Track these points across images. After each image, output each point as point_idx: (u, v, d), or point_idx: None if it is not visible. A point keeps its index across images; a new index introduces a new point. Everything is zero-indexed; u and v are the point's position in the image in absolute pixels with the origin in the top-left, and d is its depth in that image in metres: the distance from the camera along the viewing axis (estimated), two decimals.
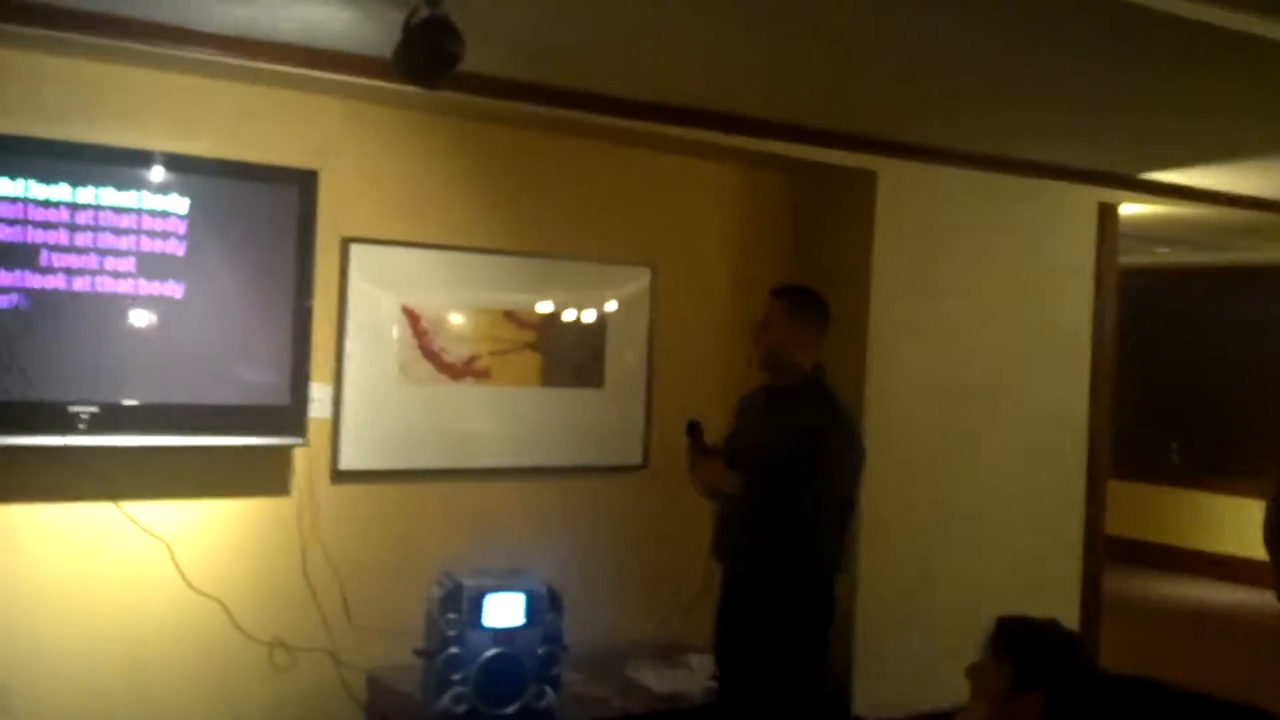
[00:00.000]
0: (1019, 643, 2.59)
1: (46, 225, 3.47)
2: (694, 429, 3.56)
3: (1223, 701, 2.97)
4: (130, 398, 3.57)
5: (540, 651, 3.67)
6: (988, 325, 4.99)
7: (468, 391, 4.28)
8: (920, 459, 4.80)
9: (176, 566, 3.75)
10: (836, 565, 3.54)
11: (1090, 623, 5.09)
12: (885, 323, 4.71)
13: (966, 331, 4.94)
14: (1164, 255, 8.18)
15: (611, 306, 4.57)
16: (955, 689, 2.72)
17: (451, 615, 3.60)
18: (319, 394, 3.93)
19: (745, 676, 3.54)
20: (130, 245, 3.58)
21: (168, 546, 3.73)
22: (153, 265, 3.61)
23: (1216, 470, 8.82)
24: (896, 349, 4.73)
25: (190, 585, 3.76)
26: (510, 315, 4.36)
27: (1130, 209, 5.60)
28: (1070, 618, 4.87)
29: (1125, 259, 5.90)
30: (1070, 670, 2.58)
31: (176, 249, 3.64)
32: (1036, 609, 2.69)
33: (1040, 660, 2.55)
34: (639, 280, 4.63)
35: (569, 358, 4.49)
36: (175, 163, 3.64)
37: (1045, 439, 5.17)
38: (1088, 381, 5.31)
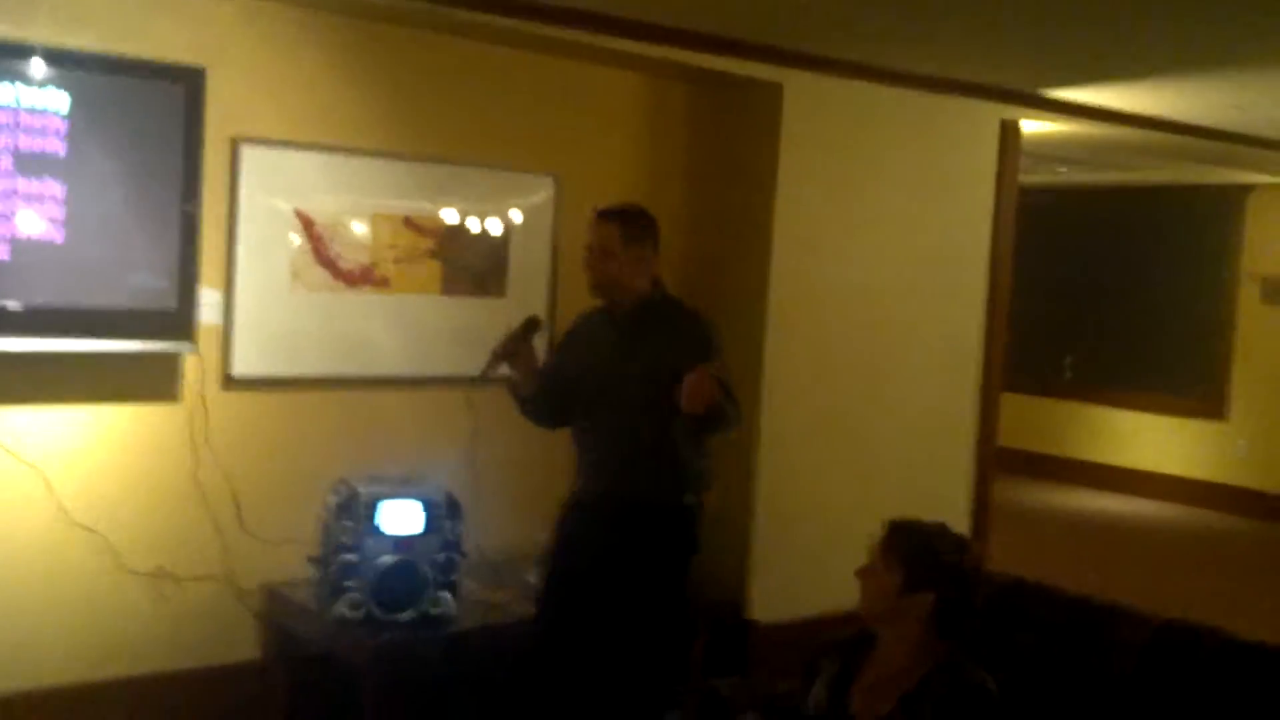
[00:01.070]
0: (908, 545, 2.64)
1: None
2: (532, 325, 3.52)
3: (1105, 604, 3.07)
4: (12, 299, 3.45)
5: (439, 558, 3.66)
6: (889, 240, 5.04)
7: (365, 299, 4.21)
8: (818, 371, 4.85)
9: (63, 476, 3.67)
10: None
11: (980, 531, 5.23)
12: (788, 236, 4.72)
13: (871, 244, 4.98)
14: (1064, 175, 8.30)
15: (515, 215, 4.51)
16: (848, 593, 2.78)
17: (348, 523, 3.58)
18: (209, 299, 3.84)
19: (638, 604, 3.42)
20: (6, 143, 3.43)
21: (59, 453, 3.65)
22: (31, 163, 3.46)
23: (1109, 385, 9.09)
24: (800, 262, 4.75)
25: (79, 493, 3.68)
26: (410, 222, 4.29)
27: (1031, 126, 5.66)
28: (960, 526, 4.99)
29: (1026, 178, 5.98)
30: (958, 572, 2.64)
31: (57, 148, 3.50)
32: (928, 516, 2.75)
33: (929, 562, 2.61)
34: (543, 189, 4.57)
35: (471, 266, 4.43)
36: (55, 57, 3.48)
37: (941, 353, 5.25)
38: (985, 297, 5.39)
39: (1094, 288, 9.19)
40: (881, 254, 5.01)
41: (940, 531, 2.70)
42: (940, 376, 5.24)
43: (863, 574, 2.68)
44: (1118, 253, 9.08)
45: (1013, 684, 2.65)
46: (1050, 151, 6.78)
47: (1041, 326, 8.66)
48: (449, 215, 4.36)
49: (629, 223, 3.48)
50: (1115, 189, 8.91)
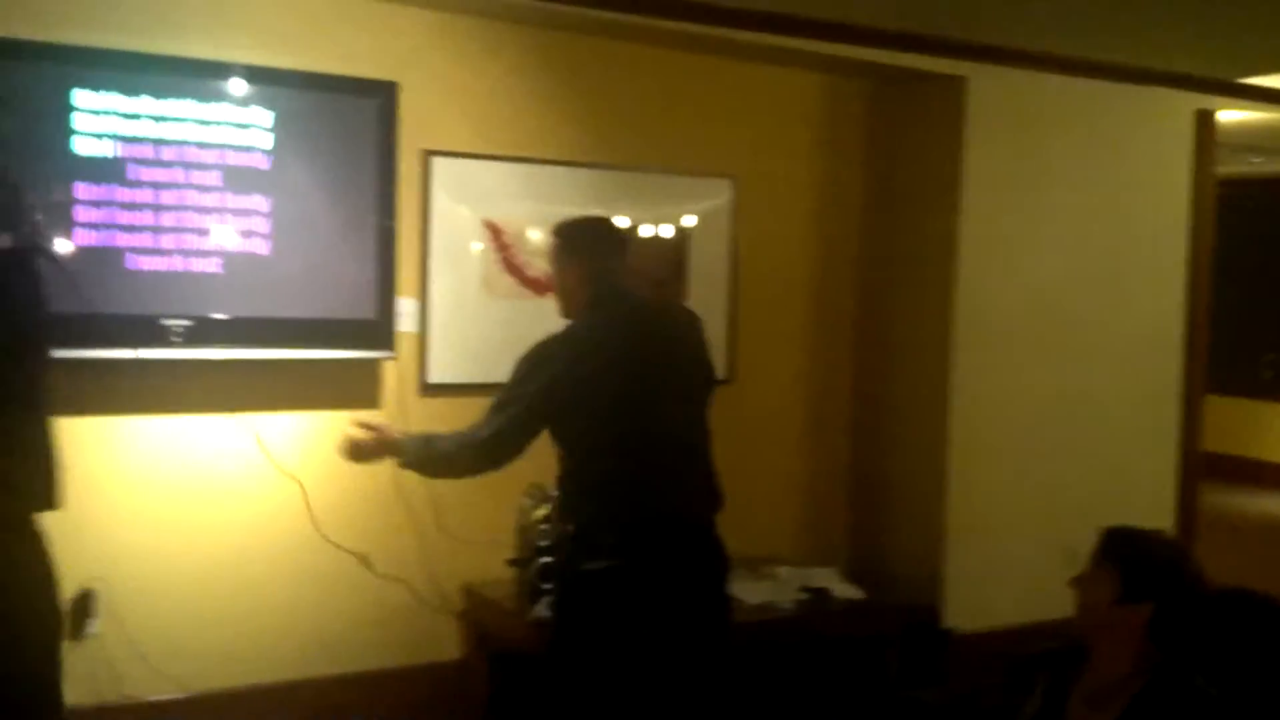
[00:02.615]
0: (1126, 553, 2.53)
1: (132, 139, 3.47)
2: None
3: None
4: (222, 311, 3.58)
5: None
6: (1082, 237, 4.86)
7: (551, 305, 4.23)
8: (1012, 373, 4.70)
9: (274, 477, 3.79)
10: None
11: (1186, 538, 4.99)
12: (975, 234, 4.60)
13: (1060, 243, 4.81)
14: (1259, 165, 7.92)
15: (693, 219, 4.50)
16: (1046, 602, 2.68)
17: (544, 526, 3.60)
18: (406, 308, 3.93)
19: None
20: (216, 159, 3.57)
21: (264, 459, 3.77)
22: (238, 179, 3.60)
23: None
24: (988, 262, 4.62)
25: (287, 494, 3.80)
26: None
27: (1227, 115, 5.40)
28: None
29: (1221, 169, 5.71)
30: (1178, 582, 2.52)
31: (261, 162, 3.63)
32: (1131, 523, 2.63)
33: (1148, 571, 2.50)
34: (720, 193, 4.55)
35: (650, 271, 4.43)
36: (257, 75, 3.61)
37: (1139, 353, 5.04)
38: (1184, 294, 5.16)
39: None
40: (1073, 251, 4.84)
41: (1158, 538, 2.61)
42: (1139, 378, 5.03)
43: (1078, 583, 2.59)
44: None
45: (1233, 696, 2.51)
46: (1245, 141, 6.47)
47: (1237, 324, 8.26)
48: (629, 221, 4.37)
49: (559, 234, 3.25)
50: None
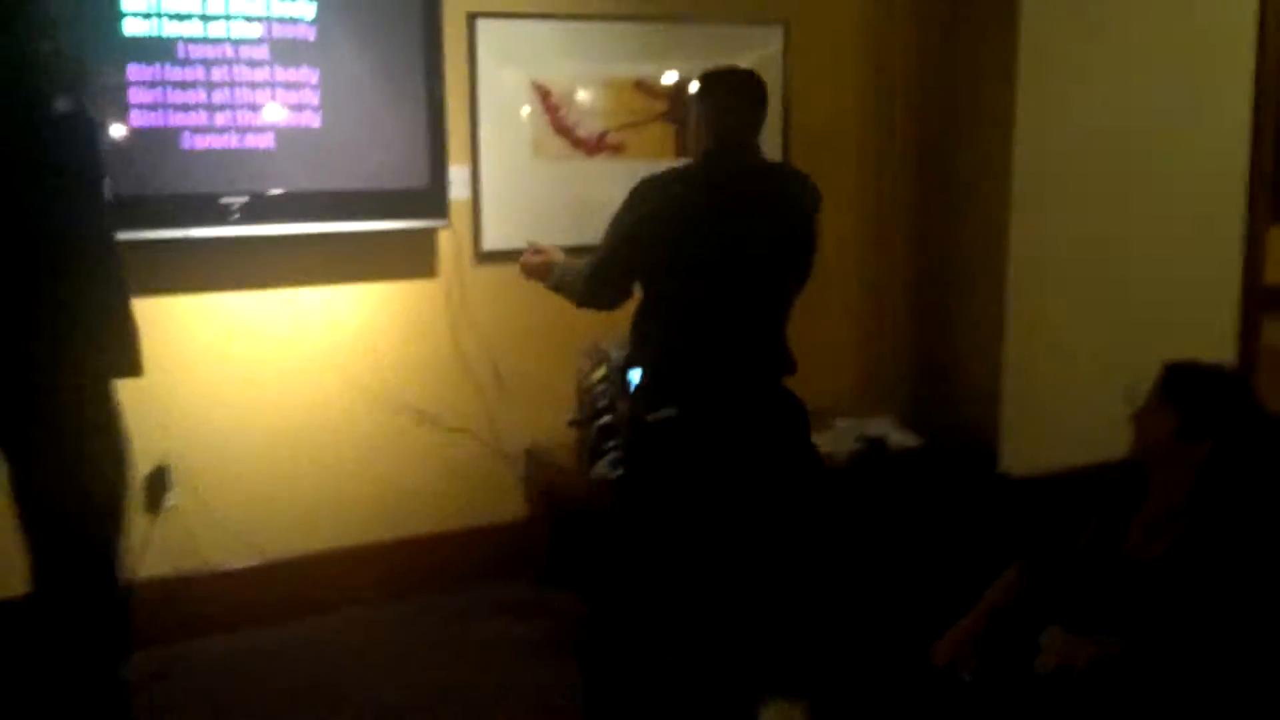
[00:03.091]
0: (1187, 389, 2.53)
1: (179, 16, 3.46)
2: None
3: None
4: (277, 186, 3.62)
5: None
6: (1141, 65, 4.69)
7: (603, 166, 4.24)
8: (1068, 211, 4.61)
9: (336, 348, 3.88)
10: None
11: (1248, 371, 4.95)
12: (1032, 74, 4.45)
13: (1122, 71, 4.65)
14: None
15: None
16: (1103, 444, 2.68)
17: (601, 387, 3.67)
18: (458, 175, 3.94)
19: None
20: (262, 32, 3.56)
21: (328, 329, 3.86)
22: (286, 51, 3.59)
23: None
24: (1045, 98, 4.49)
25: (350, 365, 3.89)
26: (641, 85, 4.26)
27: None
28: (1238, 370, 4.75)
29: None
30: (1240, 415, 2.52)
31: (307, 33, 3.62)
32: (1194, 359, 2.61)
33: (1209, 405, 2.50)
34: (771, 40, 4.46)
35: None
36: None
37: (1201, 185, 4.92)
38: (1249, 123, 5.00)
39: None
40: (1134, 79, 4.68)
41: (1220, 375, 2.58)
42: (1201, 210, 4.92)
43: (1138, 418, 2.59)
44: None
45: None
46: None
47: None
48: (678, 76, 4.31)
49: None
50: None
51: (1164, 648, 2.37)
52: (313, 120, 3.65)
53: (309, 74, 3.63)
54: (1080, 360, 4.62)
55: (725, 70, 3.14)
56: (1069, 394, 4.58)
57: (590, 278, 3.04)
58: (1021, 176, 4.46)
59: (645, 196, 2.95)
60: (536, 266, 3.25)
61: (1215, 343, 4.91)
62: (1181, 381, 2.56)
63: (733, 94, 3.04)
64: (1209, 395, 2.53)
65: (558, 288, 3.19)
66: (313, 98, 3.64)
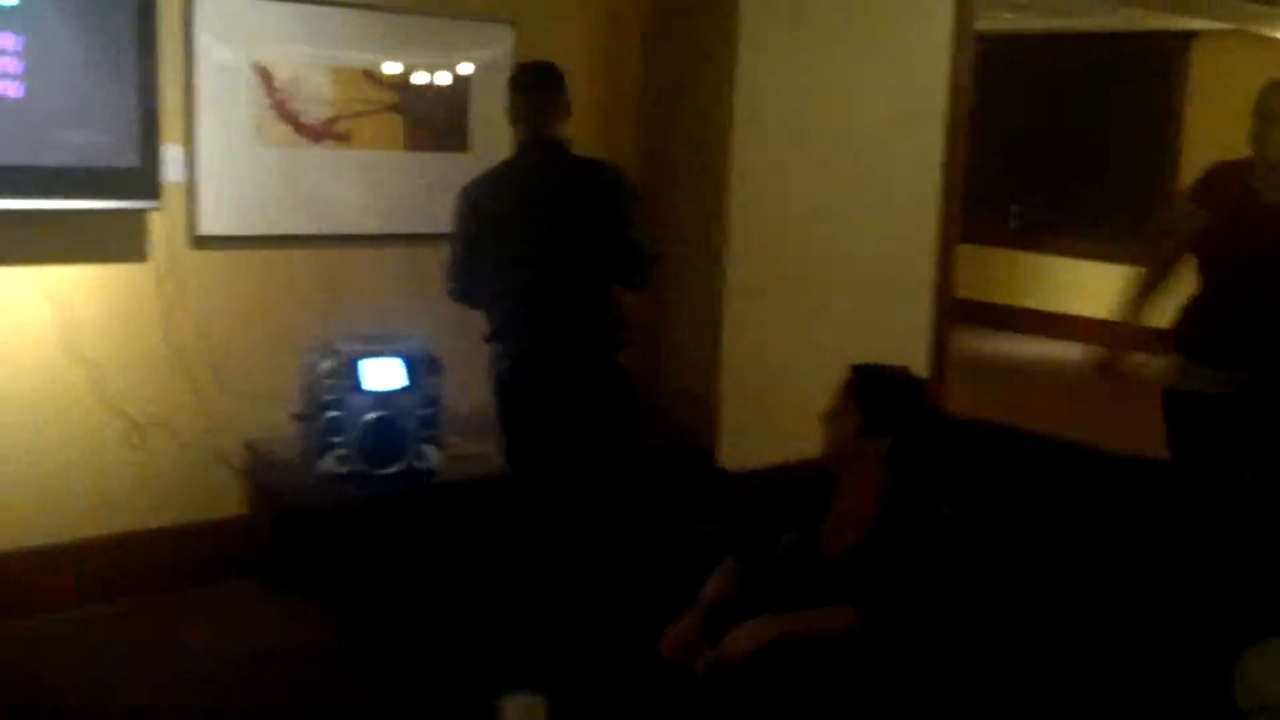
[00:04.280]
0: (869, 388, 2.71)
1: None
2: None
3: (1061, 441, 3.19)
4: None
5: (420, 413, 3.69)
6: (847, 94, 4.99)
7: (329, 155, 4.13)
8: (781, 225, 4.86)
9: (39, 332, 3.64)
10: None
11: (939, 378, 5.35)
12: (749, 84, 4.67)
13: (827, 96, 4.93)
14: (1010, 21, 8.26)
15: (474, 65, 4.42)
16: (811, 442, 2.84)
17: (331, 380, 3.59)
18: (172, 156, 3.75)
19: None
20: None
21: (30, 311, 3.61)
22: None
23: (1054, 232, 9.23)
24: (759, 114, 4.71)
25: (52, 352, 3.66)
26: (369, 74, 4.19)
27: None
28: (920, 375, 5.10)
29: (979, 24, 5.93)
30: (915, 413, 2.72)
31: None
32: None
33: (887, 404, 2.68)
34: (501, 38, 4.47)
35: (432, 120, 4.36)
36: None
37: (900, 205, 5.28)
38: (941, 150, 5.40)
39: (1042, 136, 9.24)
40: (839, 110, 4.98)
41: (899, 375, 2.76)
42: (899, 229, 5.28)
43: (827, 417, 2.74)
44: (1063, 101, 9.11)
45: (965, 517, 2.75)
46: None
47: (988, 176, 8.72)
48: (408, 67, 4.26)
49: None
50: (1062, 36, 8.89)
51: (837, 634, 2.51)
52: (14, 90, 3.40)
53: (12, 40, 3.37)
54: (791, 364, 4.88)
55: (528, 64, 3.64)
56: (779, 396, 4.82)
57: (450, 280, 3.48)
58: (737, 191, 4.67)
59: (461, 201, 3.44)
60: None
61: (910, 350, 5.27)
62: (864, 382, 2.73)
63: (533, 87, 3.47)
64: (888, 394, 2.70)
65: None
66: (14, 66, 3.39)
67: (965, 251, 5.97)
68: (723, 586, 2.78)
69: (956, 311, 5.72)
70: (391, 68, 4.22)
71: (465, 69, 4.40)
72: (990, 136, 8.62)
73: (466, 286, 3.48)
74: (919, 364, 5.28)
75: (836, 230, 5.04)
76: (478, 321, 4.25)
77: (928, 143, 5.36)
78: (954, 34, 5.36)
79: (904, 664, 2.49)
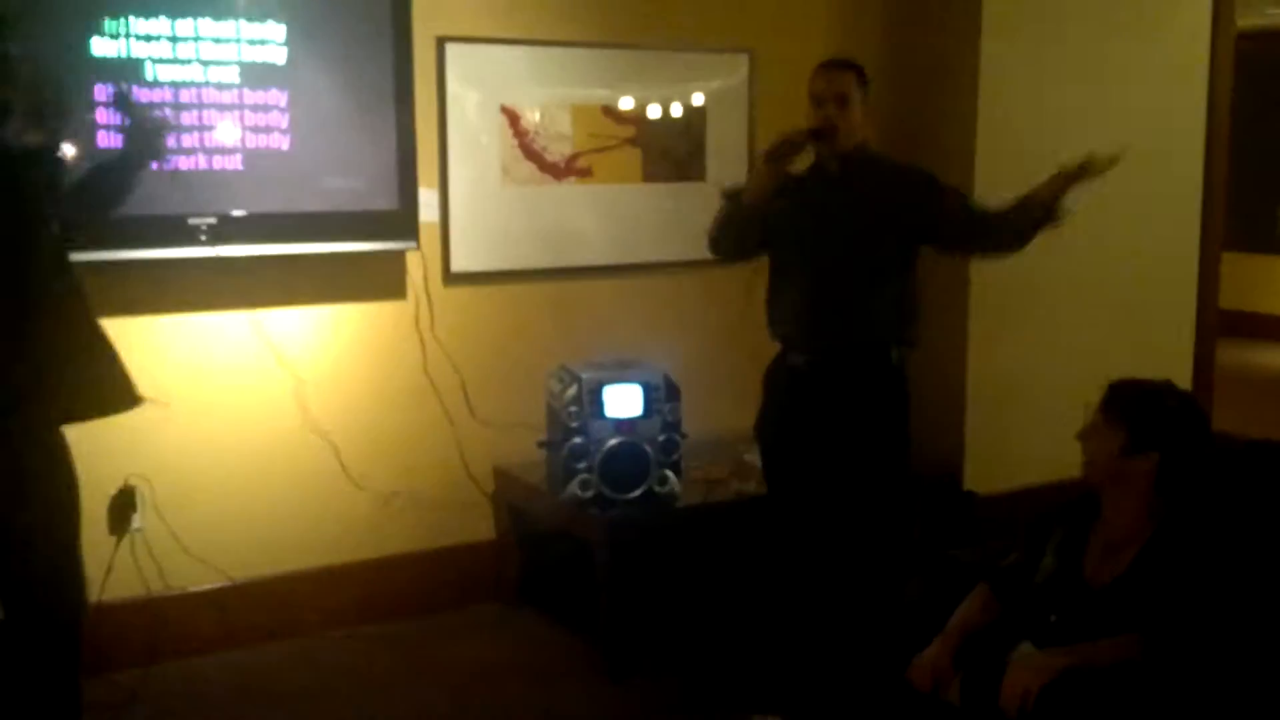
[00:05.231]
0: (1132, 405, 2.56)
1: (148, 38, 3.46)
2: (818, 135, 3.25)
3: None
4: (245, 208, 3.61)
5: (660, 439, 3.75)
6: (1100, 94, 4.79)
7: (570, 190, 4.27)
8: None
9: (305, 368, 3.87)
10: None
11: (1203, 393, 5.04)
12: (994, 97, 4.56)
13: (1078, 100, 4.75)
14: (1276, 17, 7.78)
15: (710, 96, 4.48)
16: (1064, 463, 2.72)
17: (574, 408, 3.69)
18: (426, 198, 3.95)
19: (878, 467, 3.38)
20: (231, 54, 3.57)
21: (297, 349, 3.85)
22: (255, 74, 3.60)
23: None
24: (1006, 124, 4.58)
25: (319, 384, 3.89)
26: (609, 110, 4.30)
27: None
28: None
29: (1240, 21, 5.60)
30: (1184, 431, 2.56)
31: (277, 57, 3.63)
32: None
33: (1153, 422, 2.53)
34: (737, 68, 4.52)
35: (670, 151, 4.44)
36: None
37: (1158, 211, 5.03)
38: (1202, 153, 5.12)
39: None
40: (1095, 112, 4.78)
41: (1163, 389, 2.62)
42: (1158, 235, 5.02)
43: (1084, 436, 2.62)
44: None
45: (1239, 542, 2.58)
46: None
47: (1253, 180, 8.20)
48: (645, 101, 4.36)
49: (861, 71, 3.37)
50: None
51: (1128, 664, 2.40)
52: (281, 142, 3.66)
53: (278, 96, 3.64)
54: (1042, 383, 4.70)
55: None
56: (1030, 416, 4.64)
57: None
58: (981, 190, 4.54)
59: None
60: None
61: (1172, 364, 4.99)
62: (1125, 397, 2.59)
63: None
64: (1152, 409, 2.56)
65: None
66: (281, 120, 3.65)
67: (1231, 259, 5.63)
68: (975, 614, 2.70)
69: (1221, 323, 5.39)
70: (628, 103, 4.33)
71: (700, 99, 4.46)
72: (1255, 135, 8.13)
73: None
74: (1184, 377, 5.01)
75: (1088, 239, 4.81)
76: (713, 346, 4.32)
77: (1189, 145, 5.08)
78: (1213, 29, 5.08)
79: (1191, 693, 2.36)
